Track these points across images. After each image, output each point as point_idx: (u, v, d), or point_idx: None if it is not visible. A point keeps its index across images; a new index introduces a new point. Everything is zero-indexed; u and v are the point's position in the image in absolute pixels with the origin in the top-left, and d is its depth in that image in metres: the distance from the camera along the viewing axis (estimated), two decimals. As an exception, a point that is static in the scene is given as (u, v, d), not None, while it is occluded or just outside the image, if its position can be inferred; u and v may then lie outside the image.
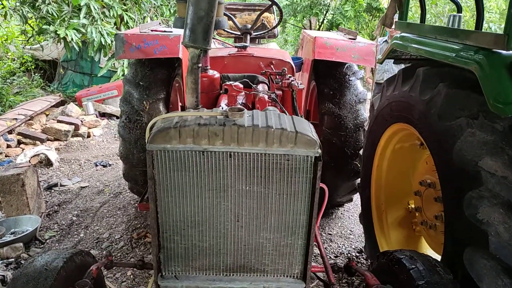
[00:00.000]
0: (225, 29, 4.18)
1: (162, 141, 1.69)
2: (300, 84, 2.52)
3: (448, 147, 2.35)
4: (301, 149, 1.71)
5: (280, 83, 2.66)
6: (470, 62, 2.24)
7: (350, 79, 4.34)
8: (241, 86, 2.51)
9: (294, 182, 1.79)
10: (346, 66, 4.39)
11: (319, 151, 1.71)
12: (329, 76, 4.31)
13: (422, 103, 2.65)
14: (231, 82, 2.49)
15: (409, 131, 3.16)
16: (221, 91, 2.54)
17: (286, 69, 2.80)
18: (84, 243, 4.21)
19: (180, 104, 5.31)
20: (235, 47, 3.44)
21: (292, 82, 2.54)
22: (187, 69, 2.37)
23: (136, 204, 5.02)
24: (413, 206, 3.55)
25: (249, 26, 3.92)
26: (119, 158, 6.50)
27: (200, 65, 2.35)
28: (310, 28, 12.78)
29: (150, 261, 3.78)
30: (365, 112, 4.38)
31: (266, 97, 2.41)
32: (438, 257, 3.29)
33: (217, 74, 2.80)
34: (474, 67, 2.20)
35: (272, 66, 3.28)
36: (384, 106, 3.27)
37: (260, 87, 2.62)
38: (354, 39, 4.29)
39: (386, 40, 6.81)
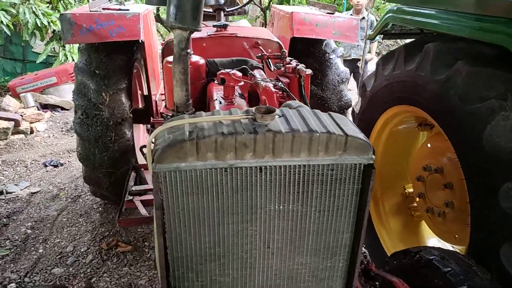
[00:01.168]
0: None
1: (174, 158, 1.27)
2: (307, 68, 2.16)
3: (475, 132, 2.12)
4: (352, 156, 1.36)
5: (282, 69, 2.27)
6: (502, 36, 1.98)
7: (331, 57, 4.04)
8: (240, 74, 2.10)
9: (338, 195, 1.45)
10: (324, 43, 4.07)
11: (373, 157, 1.37)
12: (308, 55, 3.97)
13: (436, 83, 2.39)
14: (227, 70, 2.07)
15: (411, 114, 2.93)
16: (216, 81, 2.12)
17: (286, 51, 2.41)
18: (45, 260, 3.64)
19: (139, 92, 4.76)
20: (214, 26, 2.99)
21: (298, 67, 2.17)
22: (174, 57, 1.92)
23: (100, 208, 4.48)
24: (410, 191, 3.37)
25: (222, 1, 3.45)
26: (70, 155, 5.84)
27: (189, 50, 1.91)
28: (261, 3, 12.31)
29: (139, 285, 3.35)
30: (348, 92, 4.12)
31: (271, 86, 2.02)
32: (446, 245, 3.17)
33: (202, 60, 2.36)
34: (509, 42, 1.95)
35: (260, 47, 2.88)
36: (381, 86, 2.99)
37: (257, 73, 2.23)
38: (333, 13, 3.96)
39: (351, 14, 6.55)
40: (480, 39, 2.13)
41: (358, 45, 6.32)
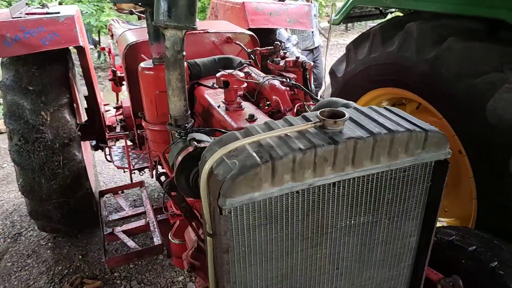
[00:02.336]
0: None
1: (247, 189, 1.01)
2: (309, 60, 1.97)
3: (476, 107, 2.12)
4: (431, 153, 1.21)
5: (282, 63, 2.05)
6: (502, 10, 1.97)
7: (287, 46, 3.91)
8: (242, 74, 1.84)
9: (407, 197, 1.30)
10: (277, 32, 3.92)
11: (450, 151, 1.24)
12: (263, 46, 3.78)
13: (424, 63, 2.35)
14: (228, 71, 1.80)
15: (389, 96, 2.90)
16: (217, 84, 1.84)
17: (279, 43, 2.19)
18: (-3, 318, 3.06)
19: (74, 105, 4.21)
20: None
21: (301, 59, 1.97)
22: (167, 62, 1.62)
23: (49, 244, 3.90)
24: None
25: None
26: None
27: (185, 53, 1.62)
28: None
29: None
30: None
31: (278, 84, 1.80)
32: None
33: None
34: (509, 15, 1.94)
35: (237, 42, 2.61)
36: (357, 71, 2.92)
37: (253, 72, 1.98)
38: (283, 0, 3.81)
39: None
40: (474, 14, 2.11)
41: (308, 35, 6.21)
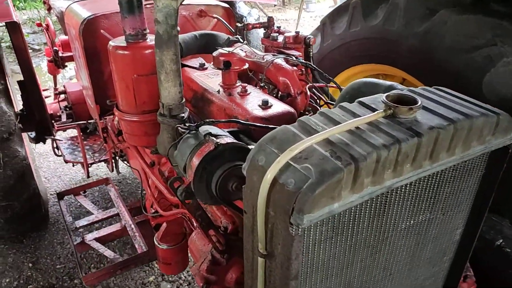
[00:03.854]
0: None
1: (328, 200, 0.79)
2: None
3: (472, 82, 2.06)
4: (499, 139, 1.08)
5: (280, 39, 1.79)
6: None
7: (249, 20, 3.62)
8: (243, 53, 1.57)
9: (462, 189, 1.17)
10: (237, 6, 3.64)
11: (514, 136, 1.12)
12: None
13: (414, 37, 2.24)
14: (225, 50, 1.51)
15: (371, 73, 2.78)
16: (214, 65, 1.55)
17: (272, 17, 1.93)
18: None
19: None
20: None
21: (302, 34, 1.73)
22: (159, 40, 1.33)
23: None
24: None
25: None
26: None
27: (179, 29, 1.34)
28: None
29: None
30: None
31: (283, 62, 1.56)
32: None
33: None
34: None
35: (214, 16, 2.28)
36: (334, 47, 2.75)
37: (247, 49, 1.72)
38: (243, -29, 3.52)
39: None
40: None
41: None
